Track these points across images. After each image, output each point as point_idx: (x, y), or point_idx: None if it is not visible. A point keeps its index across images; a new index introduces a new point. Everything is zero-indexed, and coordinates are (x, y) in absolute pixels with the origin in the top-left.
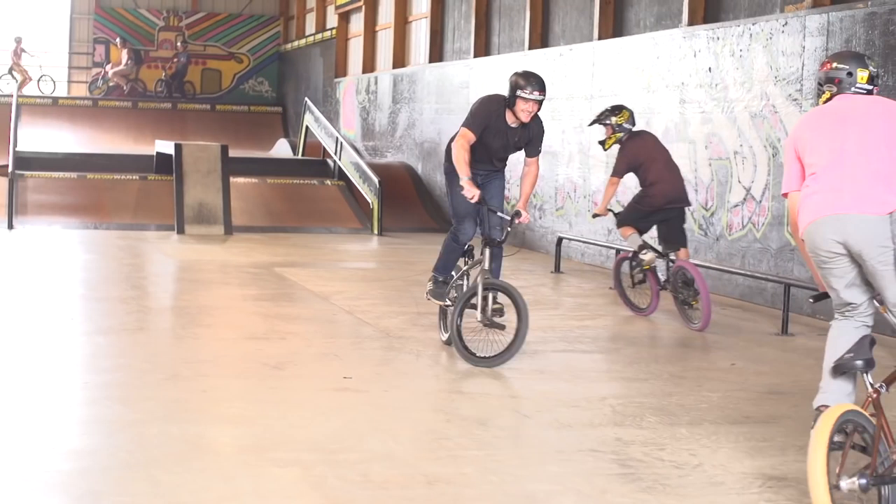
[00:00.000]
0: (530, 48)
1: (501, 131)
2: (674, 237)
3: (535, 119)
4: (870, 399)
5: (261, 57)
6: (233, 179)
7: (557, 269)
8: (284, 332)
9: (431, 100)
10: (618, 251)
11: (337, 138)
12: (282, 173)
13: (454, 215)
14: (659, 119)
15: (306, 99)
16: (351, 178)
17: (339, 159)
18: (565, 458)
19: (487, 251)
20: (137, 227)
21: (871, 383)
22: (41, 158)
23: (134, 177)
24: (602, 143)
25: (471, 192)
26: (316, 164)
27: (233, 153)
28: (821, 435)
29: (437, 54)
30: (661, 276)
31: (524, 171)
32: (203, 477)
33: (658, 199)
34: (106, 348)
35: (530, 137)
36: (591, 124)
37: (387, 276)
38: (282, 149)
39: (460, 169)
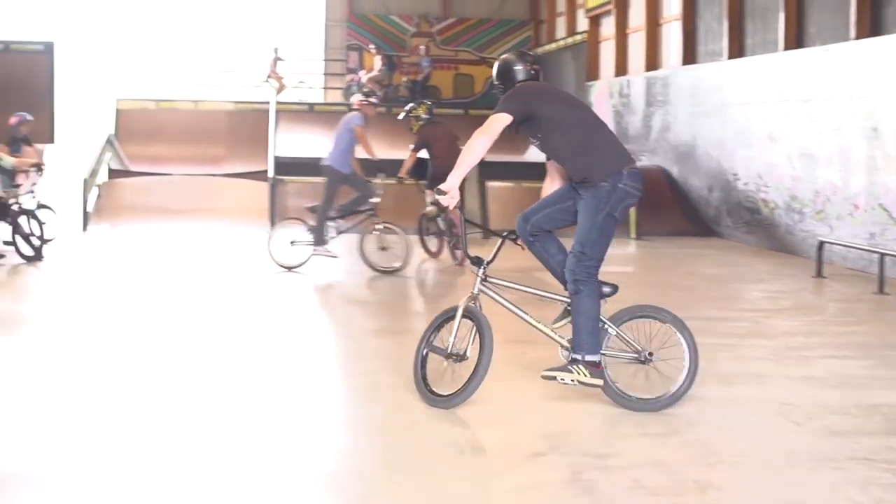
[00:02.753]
0: (785, 49)
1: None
2: None
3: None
4: None
5: None
6: (489, 184)
7: (819, 273)
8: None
9: (686, 102)
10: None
11: None
12: (536, 177)
13: None
14: None
15: None
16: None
17: None
18: (837, 466)
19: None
20: None
21: None
22: (300, 163)
23: (390, 181)
24: (411, 128)
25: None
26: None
27: (487, 157)
28: None
29: (689, 56)
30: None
31: None
32: (471, 478)
33: (438, 170)
34: (374, 350)
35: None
36: (399, 116)
37: (647, 281)
38: (536, 153)
39: None
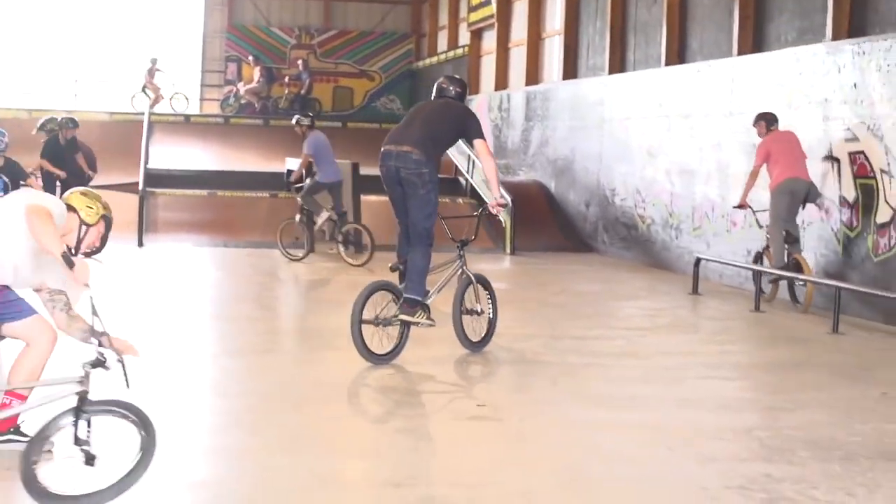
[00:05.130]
0: (667, 64)
1: None
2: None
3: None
4: None
5: (392, 74)
6: (364, 198)
7: (695, 290)
8: (419, 357)
9: (565, 117)
10: (757, 273)
11: (469, 156)
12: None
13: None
14: (801, 136)
15: None
16: (483, 196)
17: (472, 177)
18: (712, 496)
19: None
20: (267, 244)
21: None
22: (172, 176)
23: (264, 194)
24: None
25: None
26: (448, 183)
27: (364, 171)
28: None
29: (570, 71)
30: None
31: None
32: None
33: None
34: (234, 372)
35: None
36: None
37: (520, 297)
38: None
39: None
